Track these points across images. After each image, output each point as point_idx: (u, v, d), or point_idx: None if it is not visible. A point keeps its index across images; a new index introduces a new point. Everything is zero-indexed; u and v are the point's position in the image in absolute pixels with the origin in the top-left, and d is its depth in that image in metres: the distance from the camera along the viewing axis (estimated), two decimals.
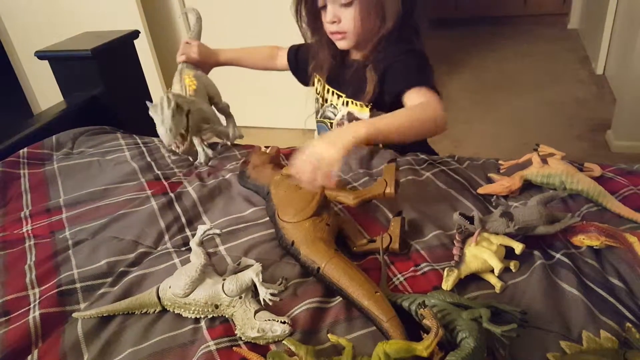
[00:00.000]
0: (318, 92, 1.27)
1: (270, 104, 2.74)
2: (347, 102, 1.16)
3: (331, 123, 1.23)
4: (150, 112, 1.04)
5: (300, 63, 1.32)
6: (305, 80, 1.33)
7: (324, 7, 1.06)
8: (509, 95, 3.05)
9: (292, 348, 0.62)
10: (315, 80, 1.27)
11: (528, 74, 3.33)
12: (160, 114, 1.02)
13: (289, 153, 1.18)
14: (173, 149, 1.14)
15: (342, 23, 1.05)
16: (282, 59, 1.37)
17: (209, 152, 1.21)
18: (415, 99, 1.00)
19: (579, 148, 2.38)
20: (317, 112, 1.29)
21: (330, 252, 0.76)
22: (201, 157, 1.20)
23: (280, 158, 1.14)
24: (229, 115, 1.32)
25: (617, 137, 2.33)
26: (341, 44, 1.11)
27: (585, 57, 3.39)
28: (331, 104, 1.22)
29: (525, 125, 2.68)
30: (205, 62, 1.31)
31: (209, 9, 2.65)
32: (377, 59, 1.08)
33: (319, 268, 0.75)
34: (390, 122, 0.91)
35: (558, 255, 0.76)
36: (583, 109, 2.75)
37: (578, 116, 2.67)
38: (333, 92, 1.21)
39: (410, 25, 1.08)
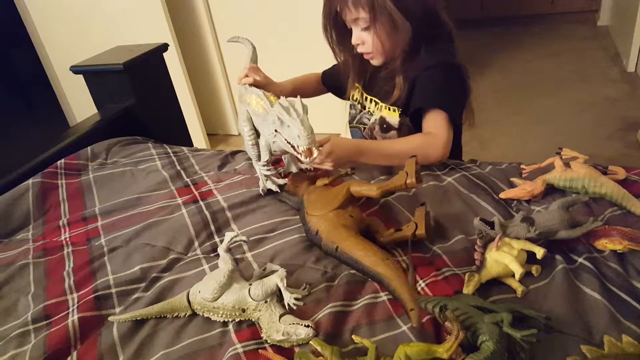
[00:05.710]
0: (356, 99, 1.32)
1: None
2: (381, 107, 1.22)
3: (364, 128, 1.28)
4: (277, 112, 0.87)
5: (334, 82, 1.40)
6: (341, 94, 1.41)
7: (352, 29, 1.13)
8: (537, 95, 3.00)
9: (319, 348, 0.65)
10: (354, 89, 1.33)
11: (557, 73, 3.27)
12: (296, 116, 0.85)
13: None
14: (305, 156, 0.87)
15: (366, 45, 1.12)
16: (321, 84, 1.44)
17: (279, 181, 1.08)
18: (429, 125, 1.09)
19: (610, 148, 2.32)
20: (353, 118, 1.34)
21: (349, 233, 0.82)
22: (272, 186, 1.07)
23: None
24: None
25: None
26: (373, 62, 1.19)
27: (616, 54, 3.32)
28: (368, 111, 1.27)
29: (554, 125, 2.63)
30: (267, 89, 1.22)
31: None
32: (409, 67, 1.13)
33: (337, 247, 0.82)
34: (381, 148, 1.10)
35: (580, 260, 0.76)
36: (614, 108, 2.69)
37: (609, 115, 2.61)
38: (370, 99, 1.26)
39: (435, 32, 1.11)
